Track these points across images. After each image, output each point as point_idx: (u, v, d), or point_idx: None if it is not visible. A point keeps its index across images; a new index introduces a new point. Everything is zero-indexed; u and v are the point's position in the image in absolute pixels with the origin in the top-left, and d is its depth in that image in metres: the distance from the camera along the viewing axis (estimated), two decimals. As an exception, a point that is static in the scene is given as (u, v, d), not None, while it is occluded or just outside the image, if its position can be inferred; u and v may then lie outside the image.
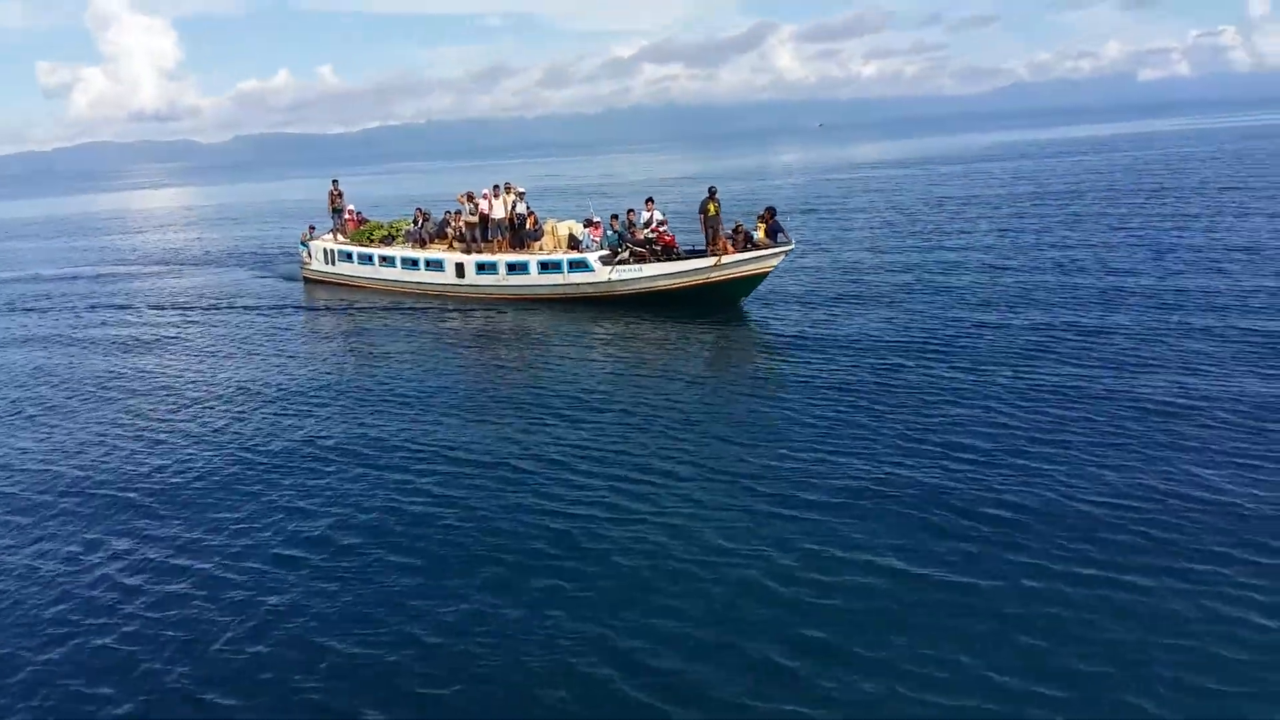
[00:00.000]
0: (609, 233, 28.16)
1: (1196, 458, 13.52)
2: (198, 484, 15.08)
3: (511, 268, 29.33)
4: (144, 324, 30.43)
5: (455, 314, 28.58)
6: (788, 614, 9.98)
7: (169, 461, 16.23)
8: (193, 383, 21.87)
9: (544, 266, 28.64)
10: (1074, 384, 17.18)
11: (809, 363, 19.96)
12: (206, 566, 12.07)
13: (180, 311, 32.54)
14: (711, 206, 27.05)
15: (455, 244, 32.15)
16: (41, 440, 18.05)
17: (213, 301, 34.19)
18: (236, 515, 13.67)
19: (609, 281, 27.32)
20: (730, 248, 26.10)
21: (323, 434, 17.20)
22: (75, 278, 44.29)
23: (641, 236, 27.42)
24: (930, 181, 69.44)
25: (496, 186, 30.78)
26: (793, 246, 26.33)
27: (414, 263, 32.19)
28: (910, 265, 31.80)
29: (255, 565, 12.01)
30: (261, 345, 25.77)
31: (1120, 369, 17.97)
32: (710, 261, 25.96)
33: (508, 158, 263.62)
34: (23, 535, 13.55)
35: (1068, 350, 19.52)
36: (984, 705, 8.40)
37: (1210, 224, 36.12)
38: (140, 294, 37.55)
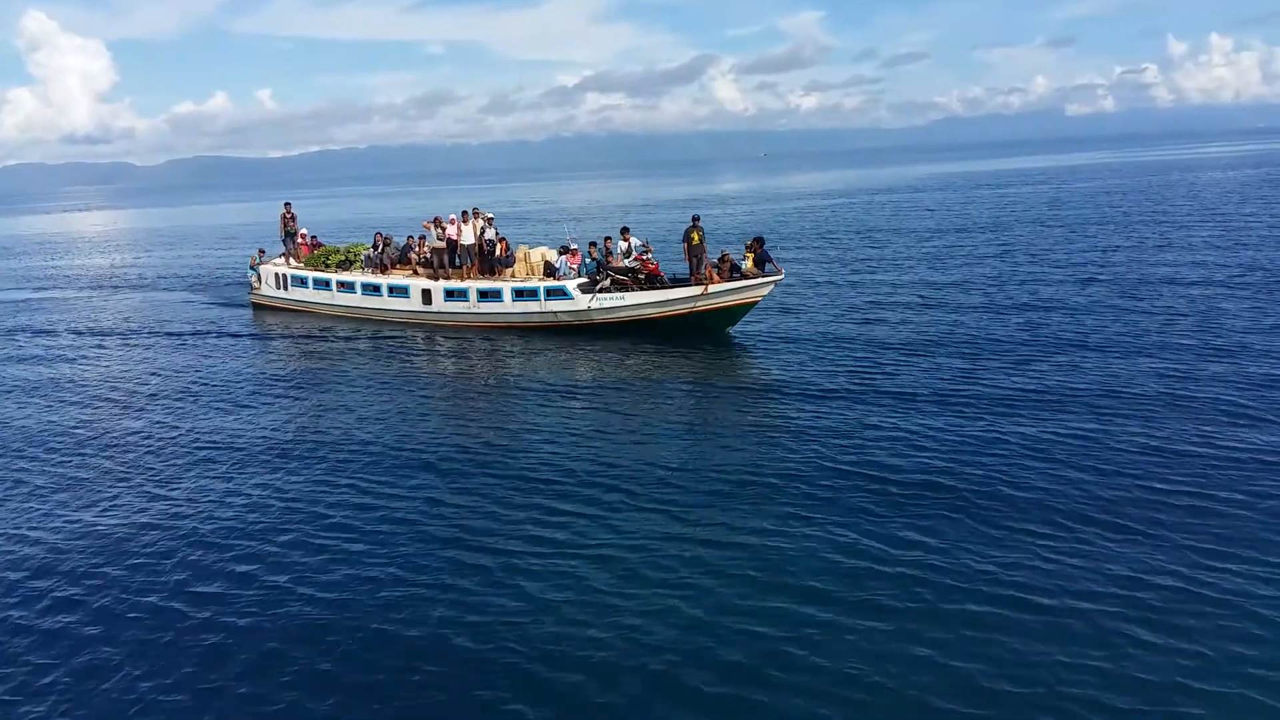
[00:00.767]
0: (587, 260, 27.05)
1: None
2: (135, 543, 13.39)
3: (484, 295, 27.91)
4: (80, 350, 28.41)
5: (423, 342, 27.16)
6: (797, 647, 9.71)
7: (114, 518, 14.46)
8: (133, 421, 20.02)
9: (519, 294, 27.30)
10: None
11: (798, 395, 19.35)
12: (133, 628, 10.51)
13: (120, 338, 30.51)
14: (695, 235, 26.15)
15: (419, 270, 30.61)
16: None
17: (154, 327, 32.19)
18: (174, 577, 12.12)
19: (589, 310, 26.18)
20: (716, 277, 25.17)
21: (281, 463, 15.80)
22: (2, 301, 41.66)
23: (622, 265, 26.36)
24: (893, 210, 69.68)
25: (465, 212, 29.46)
26: (782, 276, 25.48)
27: (376, 289, 30.54)
28: (897, 290, 31.22)
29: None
30: (209, 373, 24.12)
31: (1040, 401, 17.98)
32: (697, 290, 24.99)
33: (452, 183, 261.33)
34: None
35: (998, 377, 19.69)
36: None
37: (1136, 251, 37.45)
38: (77, 318, 35.28)
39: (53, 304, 40.23)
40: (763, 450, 15.81)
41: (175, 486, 15.52)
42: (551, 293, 26.73)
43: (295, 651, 10.09)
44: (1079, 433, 15.77)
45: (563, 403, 19.62)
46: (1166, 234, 42.69)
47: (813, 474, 14.46)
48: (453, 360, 24.85)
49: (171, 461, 16.90)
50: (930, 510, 12.89)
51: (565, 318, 26.68)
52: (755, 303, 25.60)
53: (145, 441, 18.20)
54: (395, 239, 33.26)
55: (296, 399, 21.16)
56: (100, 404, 21.45)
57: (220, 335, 29.88)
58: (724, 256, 25.86)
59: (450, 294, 28.57)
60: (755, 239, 25.98)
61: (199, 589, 11.70)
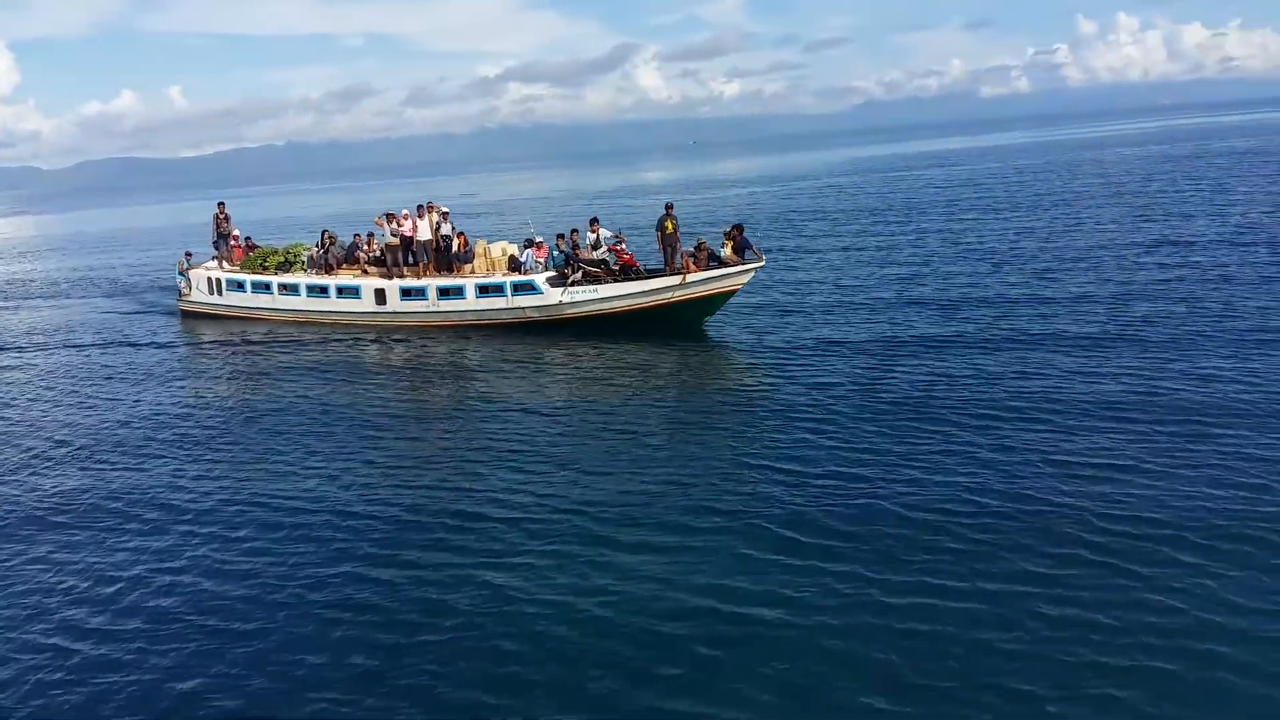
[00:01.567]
0: (554, 253, 25.54)
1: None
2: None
3: (444, 292, 26.16)
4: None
5: (378, 345, 25.42)
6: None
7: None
8: (51, 439, 17.96)
9: (483, 290, 25.69)
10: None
11: (780, 388, 18.51)
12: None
13: (39, 351, 28.07)
14: (669, 224, 25.10)
15: (369, 269, 28.63)
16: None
17: (75, 338, 29.75)
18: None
19: (559, 304, 24.73)
20: (693, 266, 23.87)
21: (223, 486, 14.51)
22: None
23: (595, 256, 24.96)
24: (825, 194, 68.91)
25: (420, 206, 27.59)
26: (763, 263, 24.39)
27: (323, 290, 28.45)
28: (875, 272, 30.32)
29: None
30: (137, 390, 22.01)
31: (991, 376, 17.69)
32: (675, 280, 23.72)
33: (374, 179, 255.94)
34: None
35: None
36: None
37: (1048, 232, 37.35)
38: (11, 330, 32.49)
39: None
40: (747, 458, 14.63)
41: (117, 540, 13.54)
42: (519, 288, 25.22)
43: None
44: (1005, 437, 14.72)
45: (535, 408, 18.18)
46: (1077, 213, 42.67)
47: (795, 484, 13.30)
48: (412, 365, 23.12)
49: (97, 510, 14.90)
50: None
51: (534, 314, 25.18)
52: (735, 291, 24.51)
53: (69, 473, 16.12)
54: (340, 238, 31.14)
55: (239, 415, 19.27)
56: None
57: (148, 347, 27.58)
58: (700, 245, 24.69)
59: (407, 293, 26.71)
60: (734, 226, 24.82)
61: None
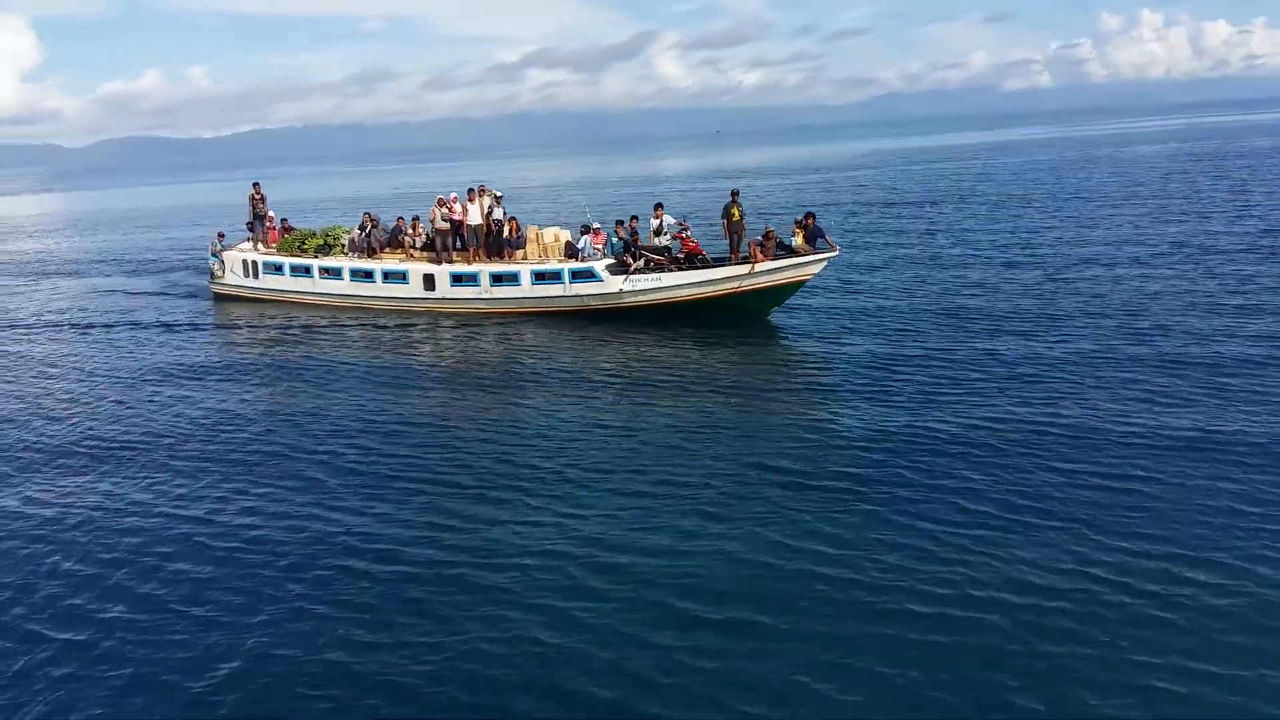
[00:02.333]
0: (613, 240, 24.45)
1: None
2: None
3: (497, 279, 25.14)
4: (23, 346, 25.04)
5: (427, 331, 24.42)
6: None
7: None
8: (89, 432, 16.89)
9: (539, 277, 24.66)
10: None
11: (843, 385, 17.57)
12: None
13: (73, 330, 27.23)
14: (735, 211, 24.16)
15: (414, 253, 27.50)
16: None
17: (107, 319, 28.79)
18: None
19: (620, 293, 23.75)
20: (761, 255, 22.87)
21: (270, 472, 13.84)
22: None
23: (661, 243, 24.15)
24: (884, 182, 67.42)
25: (471, 189, 26.49)
26: (836, 253, 23.30)
27: (368, 275, 27.35)
28: (946, 271, 28.99)
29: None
30: (174, 374, 21.06)
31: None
32: (743, 269, 22.78)
33: (393, 162, 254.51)
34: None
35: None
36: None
37: (1068, 229, 36.19)
38: (15, 310, 31.61)
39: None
40: (813, 448, 14.19)
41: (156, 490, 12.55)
42: (577, 275, 24.20)
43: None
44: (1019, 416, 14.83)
45: (594, 395, 17.62)
46: (1095, 211, 41.30)
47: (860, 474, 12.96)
48: (466, 352, 22.17)
49: (141, 461, 13.85)
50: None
51: (593, 302, 24.21)
52: (804, 282, 23.44)
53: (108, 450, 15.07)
54: (383, 220, 30.02)
55: (282, 399, 18.54)
56: (37, 418, 18.16)
57: (185, 329, 26.67)
58: (769, 233, 23.56)
59: (457, 279, 25.64)
60: (807, 214, 23.79)
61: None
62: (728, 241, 24.05)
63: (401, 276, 26.67)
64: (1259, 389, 15.52)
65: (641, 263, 23.68)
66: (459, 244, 26.41)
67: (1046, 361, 17.98)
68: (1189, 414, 14.49)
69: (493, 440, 15.22)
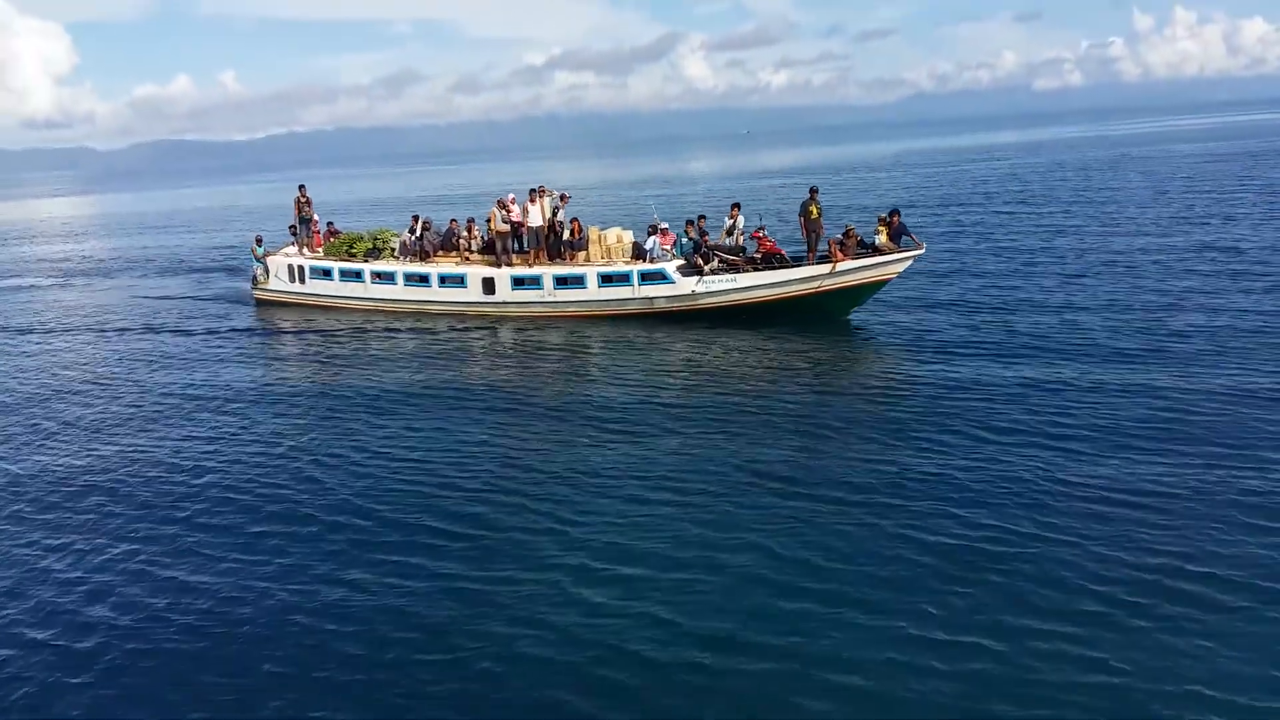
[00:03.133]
0: (683, 240, 23.58)
1: None
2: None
3: (561, 281, 24.16)
4: (55, 352, 24.37)
5: (489, 336, 23.58)
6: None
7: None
8: (136, 445, 15.95)
9: (606, 279, 23.70)
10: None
11: (923, 392, 16.71)
12: None
13: (118, 335, 26.49)
14: (813, 209, 23.24)
15: (471, 256, 26.48)
16: None
17: (151, 322, 28.17)
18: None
19: (693, 294, 22.85)
20: (840, 253, 21.98)
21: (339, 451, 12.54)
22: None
23: (725, 243, 23.45)
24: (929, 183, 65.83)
25: (532, 191, 25.47)
26: (922, 250, 22.40)
27: (423, 279, 26.35)
28: (1032, 271, 27.59)
29: None
30: (216, 384, 19.98)
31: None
32: (824, 268, 21.93)
33: (423, 164, 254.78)
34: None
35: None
36: None
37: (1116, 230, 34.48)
38: (49, 313, 31.09)
39: (47, 294, 35.96)
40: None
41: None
42: (647, 276, 23.29)
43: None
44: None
45: (667, 399, 16.99)
46: (1137, 213, 39.58)
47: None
48: (534, 356, 21.26)
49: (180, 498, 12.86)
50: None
51: (664, 304, 23.32)
52: (885, 282, 22.57)
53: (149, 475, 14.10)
54: (434, 222, 28.98)
55: (336, 408, 17.67)
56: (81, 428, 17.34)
57: (230, 332, 26.00)
58: (849, 231, 22.63)
59: (519, 282, 24.69)
60: (891, 211, 22.85)
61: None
62: (805, 240, 23.02)
63: (459, 280, 25.68)
64: None
65: (715, 263, 22.74)
66: (518, 246, 25.37)
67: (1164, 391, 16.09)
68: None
69: (569, 443, 14.54)
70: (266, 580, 10.76)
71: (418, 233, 27.88)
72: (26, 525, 12.82)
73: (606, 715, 8.02)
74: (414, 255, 27.53)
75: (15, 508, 13.47)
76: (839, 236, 22.36)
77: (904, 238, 22.09)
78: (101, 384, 20.57)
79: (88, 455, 15.57)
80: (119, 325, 27.98)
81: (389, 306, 27.02)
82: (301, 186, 32.26)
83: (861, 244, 22.36)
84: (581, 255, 24.91)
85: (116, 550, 11.83)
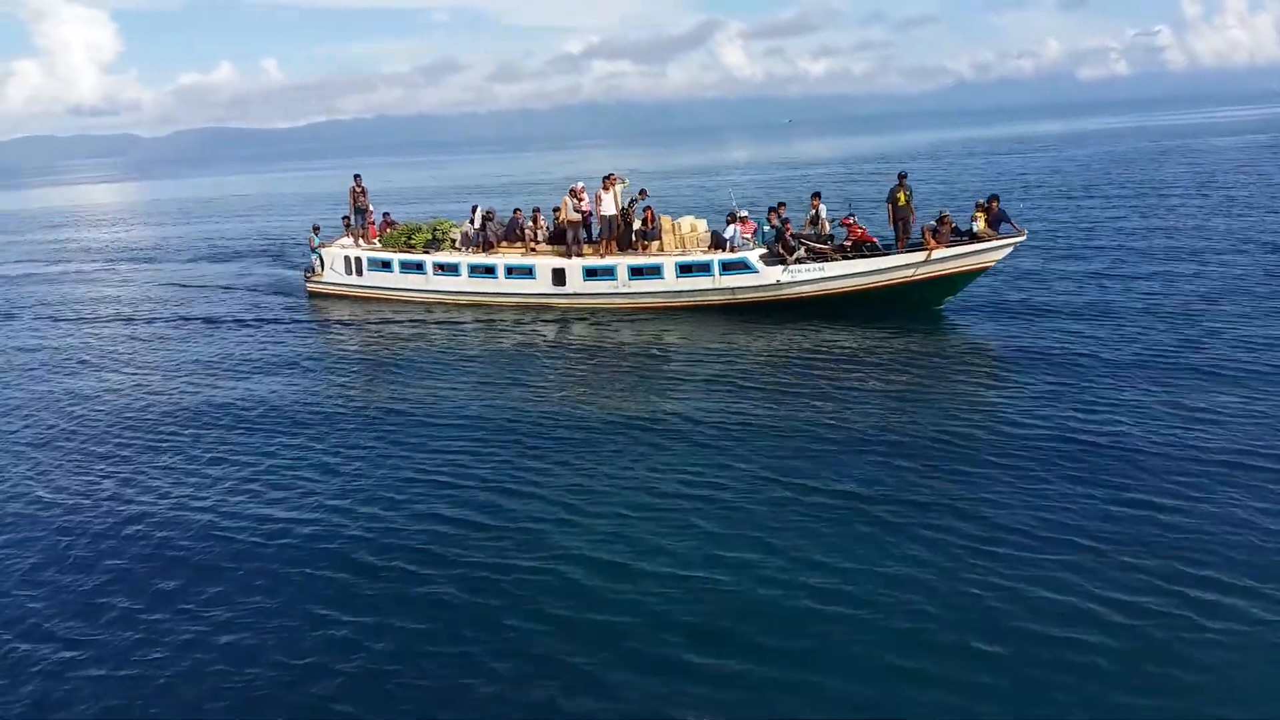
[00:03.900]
0: (764, 229, 22.81)
1: None
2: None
3: (636, 272, 23.30)
4: (111, 342, 23.87)
5: (559, 328, 22.79)
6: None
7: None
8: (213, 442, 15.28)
9: (685, 269, 22.88)
10: None
11: (1026, 389, 15.69)
12: None
13: (170, 325, 25.95)
14: (902, 195, 22.29)
15: (537, 247, 25.64)
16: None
17: (207, 313, 27.58)
18: None
19: (778, 284, 21.99)
20: (933, 241, 21.13)
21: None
22: (30, 276, 37.27)
23: (809, 232, 22.72)
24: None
25: (606, 178, 24.55)
26: (1024, 237, 21.59)
27: (489, 270, 25.49)
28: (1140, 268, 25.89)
29: None
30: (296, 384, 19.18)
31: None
32: (919, 257, 21.00)
33: (463, 153, 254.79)
34: None
35: None
36: None
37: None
38: (120, 301, 30.66)
39: (104, 282, 35.78)
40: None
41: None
42: (729, 266, 22.43)
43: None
44: None
45: (752, 395, 16.29)
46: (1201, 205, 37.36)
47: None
48: (613, 346, 20.43)
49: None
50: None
51: (746, 294, 22.50)
52: (982, 270, 21.72)
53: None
54: (496, 211, 28.05)
55: (406, 400, 16.94)
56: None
57: (279, 323, 25.29)
58: (943, 217, 21.74)
59: (591, 273, 23.76)
60: (990, 196, 22.00)
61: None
62: (892, 228, 22.14)
63: (527, 271, 24.83)
64: None
65: (802, 251, 21.85)
66: (587, 236, 24.46)
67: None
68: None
69: (655, 442, 13.81)
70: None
71: (478, 223, 26.98)
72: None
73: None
74: (476, 246, 26.66)
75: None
76: (932, 223, 21.42)
77: (1003, 224, 21.13)
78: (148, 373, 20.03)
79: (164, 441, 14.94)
80: (175, 315, 27.54)
81: (453, 299, 26.20)
82: (357, 176, 30.95)
83: (956, 231, 21.46)
84: (654, 245, 23.97)
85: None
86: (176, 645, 9.28)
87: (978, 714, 7.68)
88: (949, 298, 21.86)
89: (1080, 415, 13.96)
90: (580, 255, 24.17)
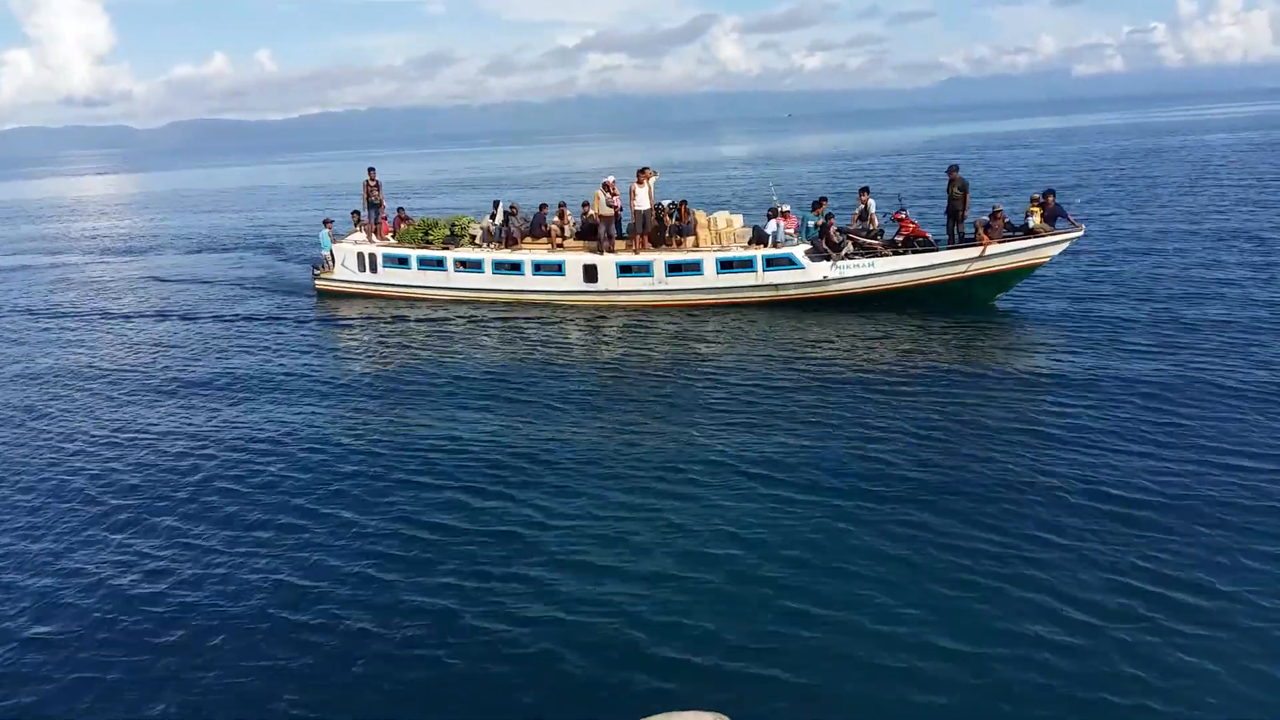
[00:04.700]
0: (809, 224, 22.14)
1: None
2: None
3: (674, 268, 22.47)
4: (111, 342, 23.07)
5: (591, 327, 21.87)
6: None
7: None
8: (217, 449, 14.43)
9: (726, 265, 22.06)
10: None
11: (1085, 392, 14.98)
12: None
13: (187, 321, 25.18)
14: (953, 189, 20.83)
15: (565, 242, 24.78)
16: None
17: (215, 311, 26.62)
18: None
19: (824, 280, 21.30)
20: (986, 236, 20.50)
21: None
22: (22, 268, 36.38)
23: (873, 226, 21.88)
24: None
25: (640, 172, 23.68)
26: (1081, 233, 20.80)
27: (514, 266, 24.51)
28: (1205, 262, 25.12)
29: None
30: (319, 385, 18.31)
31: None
32: (973, 252, 20.35)
33: (458, 145, 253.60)
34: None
35: None
36: None
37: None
38: (120, 293, 29.90)
39: (101, 275, 34.84)
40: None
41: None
42: (773, 262, 21.62)
43: None
44: None
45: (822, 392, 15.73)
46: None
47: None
48: (653, 347, 19.43)
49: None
50: None
51: (790, 290, 21.76)
52: (1037, 266, 21.07)
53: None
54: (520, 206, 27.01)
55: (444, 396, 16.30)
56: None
57: (290, 324, 24.19)
58: (996, 211, 21.09)
59: (626, 269, 22.86)
60: (1046, 191, 21.33)
61: None
62: (945, 223, 21.44)
63: (556, 268, 23.89)
64: None
65: (850, 247, 21.15)
66: (618, 231, 23.56)
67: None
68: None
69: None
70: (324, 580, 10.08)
71: (500, 218, 25.97)
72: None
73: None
74: (499, 242, 25.66)
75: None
76: (985, 218, 20.76)
77: (1060, 219, 20.52)
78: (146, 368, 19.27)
79: (173, 433, 14.10)
80: (193, 309, 26.73)
81: (475, 296, 25.20)
82: (371, 169, 29.46)
83: (1010, 227, 20.80)
84: (689, 241, 23.06)
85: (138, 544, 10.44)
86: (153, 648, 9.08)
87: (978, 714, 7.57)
88: (1001, 294, 21.25)
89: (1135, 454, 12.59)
90: (612, 251, 23.25)
